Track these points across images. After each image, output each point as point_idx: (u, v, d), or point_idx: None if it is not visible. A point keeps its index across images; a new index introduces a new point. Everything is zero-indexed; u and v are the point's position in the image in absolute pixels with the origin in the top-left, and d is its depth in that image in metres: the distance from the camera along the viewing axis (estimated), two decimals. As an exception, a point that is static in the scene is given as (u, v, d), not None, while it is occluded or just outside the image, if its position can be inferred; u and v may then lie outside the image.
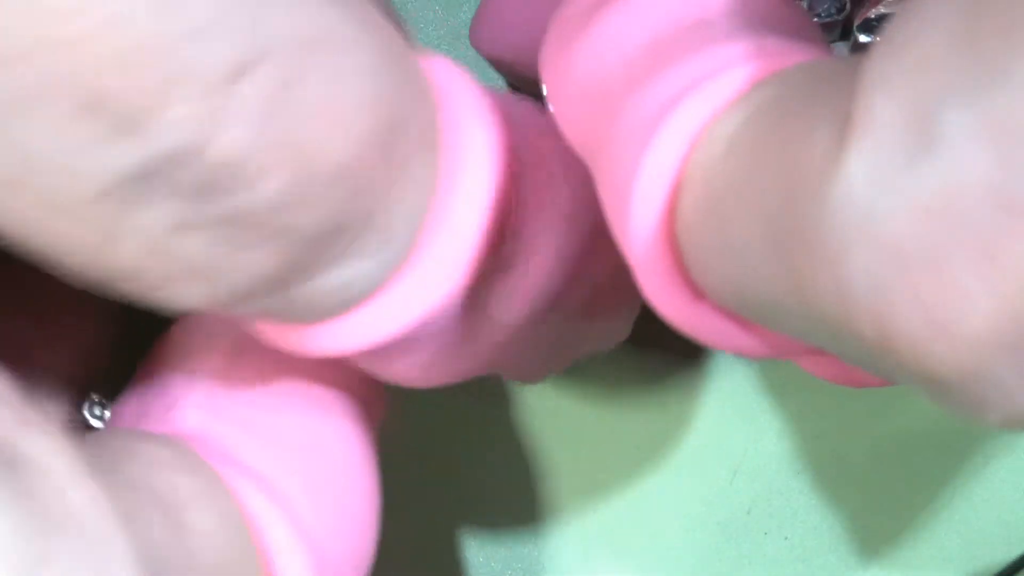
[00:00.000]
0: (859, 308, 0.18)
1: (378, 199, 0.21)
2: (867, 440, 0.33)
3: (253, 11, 0.18)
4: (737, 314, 0.22)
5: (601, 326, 0.28)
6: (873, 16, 0.27)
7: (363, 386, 0.26)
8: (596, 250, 0.26)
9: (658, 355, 0.33)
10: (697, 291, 0.22)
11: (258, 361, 0.25)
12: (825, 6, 0.27)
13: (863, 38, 0.27)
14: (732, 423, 0.33)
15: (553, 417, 0.31)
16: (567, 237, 0.25)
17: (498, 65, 0.31)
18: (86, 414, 0.25)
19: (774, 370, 0.33)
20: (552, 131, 0.25)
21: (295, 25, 0.19)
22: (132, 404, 0.25)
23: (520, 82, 0.30)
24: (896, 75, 0.18)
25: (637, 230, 0.22)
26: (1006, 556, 0.32)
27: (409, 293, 0.22)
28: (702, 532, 0.32)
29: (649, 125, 0.22)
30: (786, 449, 0.32)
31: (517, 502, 0.32)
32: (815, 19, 0.27)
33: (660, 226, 0.22)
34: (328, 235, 0.20)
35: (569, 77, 0.24)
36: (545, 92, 0.24)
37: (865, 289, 0.18)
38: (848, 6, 0.27)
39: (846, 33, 0.27)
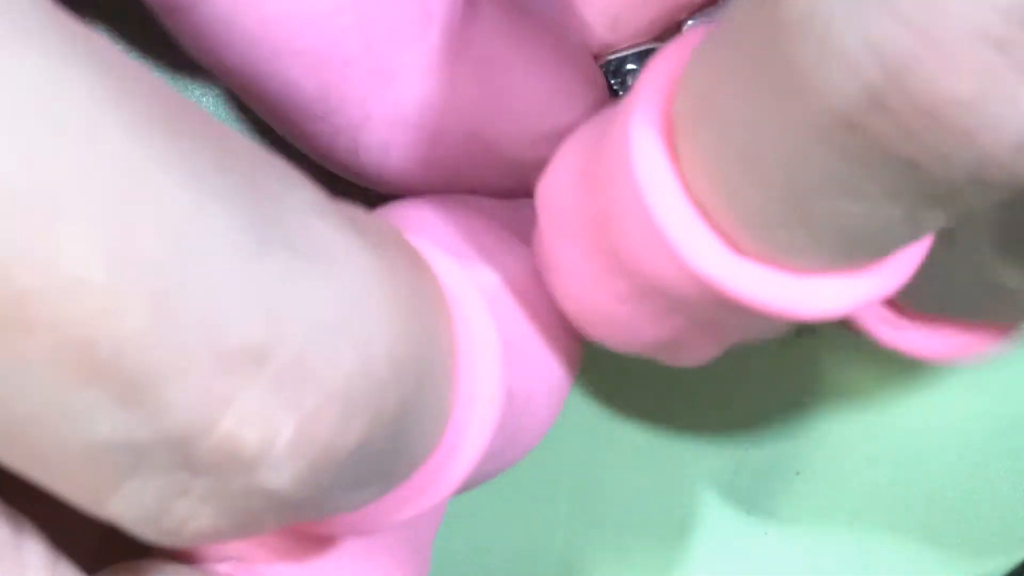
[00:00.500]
0: (861, 100, 0.17)
1: (399, 454, 0.21)
2: (867, 440, 0.33)
3: (270, 298, 0.18)
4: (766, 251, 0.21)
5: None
6: None
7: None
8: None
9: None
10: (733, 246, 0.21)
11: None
12: None
13: None
14: (732, 423, 0.33)
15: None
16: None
17: None
18: None
19: (774, 370, 0.33)
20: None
21: (314, 308, 0.18)
22: None
23: None
24: None
25: (653, 198, 0.21)
26: (1009, 560, 0.32)
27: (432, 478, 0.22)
28: (702, 532, 0.32)
29: (621, 115, 0.22)
30: (786, 449, 0.32)
31: (516, 502, 0.32)
32: None
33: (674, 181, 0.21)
34: (347, 487, 0.20)
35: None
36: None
37: (865, 78, 0.17)
38: None
39: None
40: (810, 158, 0.18)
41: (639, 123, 0.21)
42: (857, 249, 0.20)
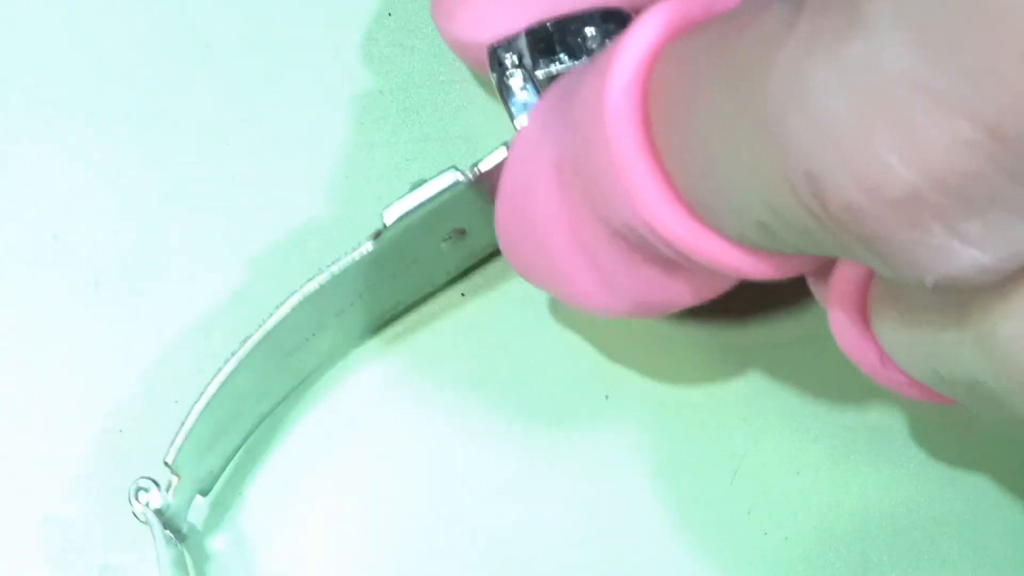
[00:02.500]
0: (797, 171, 0.21)
1: None
2: (867, 440, 0.33)
3: None
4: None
5: None
6: None
7: None
8: None
9: (659, 355, 0.33)
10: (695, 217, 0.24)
11: None
12: None
13: None
14: (732, 423, 0.33)
15: (551, 417, 0.31)
16: None
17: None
18: None
19: (775, 370, 0.33)
20: None
21: None
22: None
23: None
24: None
25: (619, 150, 0.24)
26: (1010, 562, 0.32)
27: None
28: (702, 532, 0.32)
29: (603, 69, 0.24)
30: (786, 449, 0.32)
31: (513, 500, 0.32)
32: None
33: (644, 151, 0.24)
34: None
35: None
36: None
37: (804, 159, 0.20)
38: None
39: None
40: (755, 179, 0.22)
41: (618, 79, 0.24)
42: (767, 245, 0.23)
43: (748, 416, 0.32)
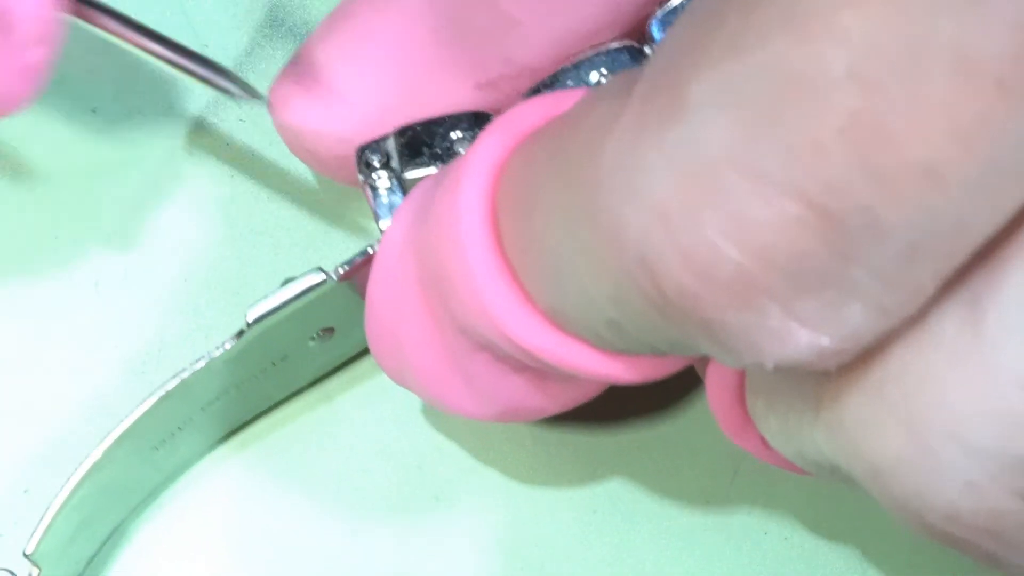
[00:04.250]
0: (632, 259, 0.20)
1: None
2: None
3: None
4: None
5: None
6: None
7: None
8: None
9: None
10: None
11: None
12: None
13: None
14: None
15: (552, 417, 0.30)
16: None
17: None
18: None
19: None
20: None
21: None
22: None
23: None
24: (657, 54, 0.21)
25: (473, 258, 0.24)
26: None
27: None
28: (702, 532, 0.32)
29: (453, 187, 0.24)
30: (786, 449, 0.32)
31: (513, 500, 0.32)
32: None
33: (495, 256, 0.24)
34: None
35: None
36: None
37: (635, 241, 0.20)
38: None
39: None
40: (597, 274, 0.22)
41: (468, 197, 0.24)
42: (624, 346, 0.23)
43: (748, 416, 0.33)
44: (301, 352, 0.31)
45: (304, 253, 0.33)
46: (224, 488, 0.32)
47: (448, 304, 0.25)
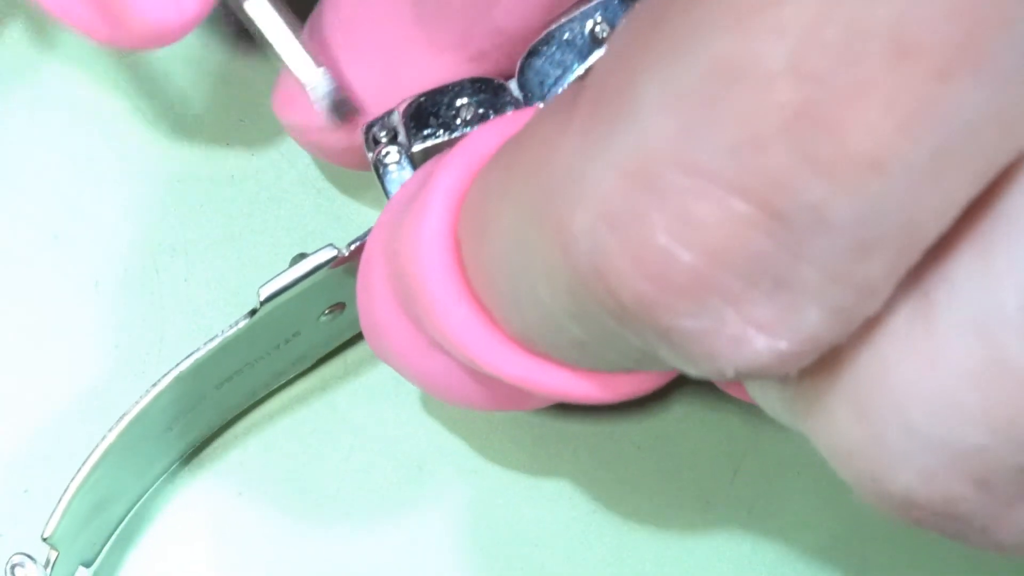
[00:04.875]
0: (585, 268, 0.20)
1: None
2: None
3: None
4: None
5: None
6: None
7: None
8: None
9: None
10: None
11: None
12: None
13: None
14: (732, 423, 0.33)
15: (552, 416, 0.31)
16: None
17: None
18: None
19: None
20: None
21: None
22: None
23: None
24: (602, 58, 0.21)
25: (432, 278, 0.24)
26: (1010, 562, 0.32)
27: None
28: (702, 532, 0.32)
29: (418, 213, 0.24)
30: (786, 449, 0.32)
31: (514, 500, 0.32)
32: None
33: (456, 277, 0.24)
34: None
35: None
36: None
37: (587, 249, 0.20)
38: None
39: None
40: (555, 289, 0.21)
41: (430, 228, 0.24)
42: (590, 362, 0.23)
43: (748, 416, 0.32)
44: (312, 328, 0.31)
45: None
46: (224, 487, 0.32)
47: (422, 324, 0.25)
